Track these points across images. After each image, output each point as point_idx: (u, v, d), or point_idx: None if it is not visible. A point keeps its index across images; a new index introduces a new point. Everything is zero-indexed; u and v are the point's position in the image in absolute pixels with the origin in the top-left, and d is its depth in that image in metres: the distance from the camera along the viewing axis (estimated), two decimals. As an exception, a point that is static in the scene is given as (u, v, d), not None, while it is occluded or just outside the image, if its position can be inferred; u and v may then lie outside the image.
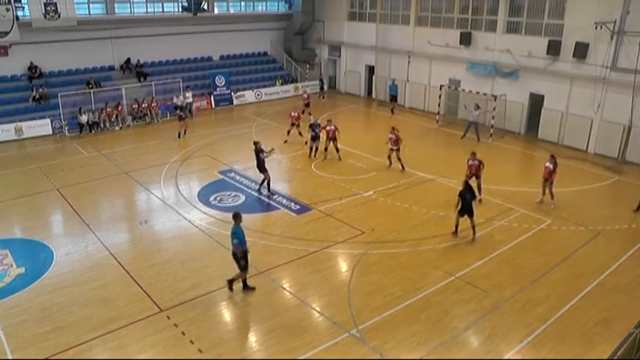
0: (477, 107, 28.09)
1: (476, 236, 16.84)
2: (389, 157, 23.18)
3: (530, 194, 20.24)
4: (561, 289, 14.26)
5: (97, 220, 18.37)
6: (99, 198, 20.63)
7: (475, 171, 19.87)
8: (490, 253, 16.07)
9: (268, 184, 20.52)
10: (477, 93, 29.43)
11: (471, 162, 19.97)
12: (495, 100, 28.01)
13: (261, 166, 20.37)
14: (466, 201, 16.47)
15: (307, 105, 32.28)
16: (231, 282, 13.99)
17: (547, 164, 19.44)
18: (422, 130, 30.05)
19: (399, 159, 22.87)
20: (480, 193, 19.63)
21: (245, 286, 14.13)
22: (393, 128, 23.09)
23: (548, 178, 19.38)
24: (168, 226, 18.10)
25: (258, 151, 20.23)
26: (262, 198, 20.32)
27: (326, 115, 31.58)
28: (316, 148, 24.69)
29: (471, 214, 16.67)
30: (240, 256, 13.64)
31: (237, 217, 13.64)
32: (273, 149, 20.88)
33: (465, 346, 12.11)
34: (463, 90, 30.97)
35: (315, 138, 24.44)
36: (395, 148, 22.74)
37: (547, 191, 19.53)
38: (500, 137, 28.25)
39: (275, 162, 24.57)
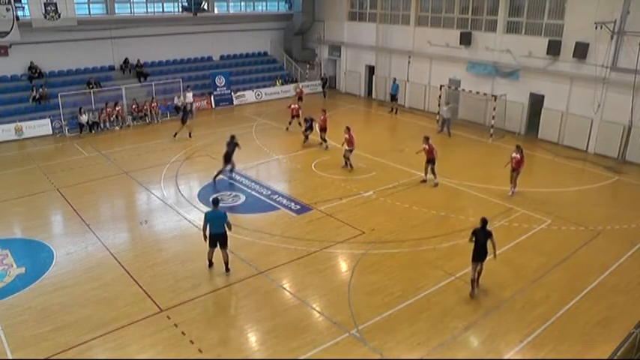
0: (447, 103, 28.44)
1: (478, 289, 14.06)
2: (344, 156, 23.31)
3: (530, 194, 20.24)
4: (561, 289, 14.27)
5: (97, 220, 18.37)
6: (99, 198, 20.63)
7: (429, 155, 21.10)
8: (490, 253, 16.02)
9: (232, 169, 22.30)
10: (477, 93, 29.46)
11: (424, 145, 21.17)
12: (495, 100, 28.01)
13: (230, 157, 21.74)
14: (480, 244, 13.65)
15: (300, 99, 33.30)
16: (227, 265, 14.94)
17: (514, 155, 20.06)
18: (422, 130, 29.89)
19: (345, 157, 23.18)
20: (435, 177, 21.48)
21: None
22: (347, 128, 23.22)
23: (517, 169, 19.98)
24: (169, 226, 18.10)
25: (235, 144, 21.90)
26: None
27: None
28: (306, 137, 26.87)
29: (484, 259, 13.83)
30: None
31: (218, 202, 14.94)
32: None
33: (465, 346, 12.11)
34: (463, 90, 30.98)
35: (308, 128, 26.74)
36: (349, 149, 22.98)
37: (515, 179, 20.23)
38: (500, 137, 28.24)
39: (275, 162, 24.62)
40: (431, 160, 21.24)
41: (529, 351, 11.87)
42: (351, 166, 23.14)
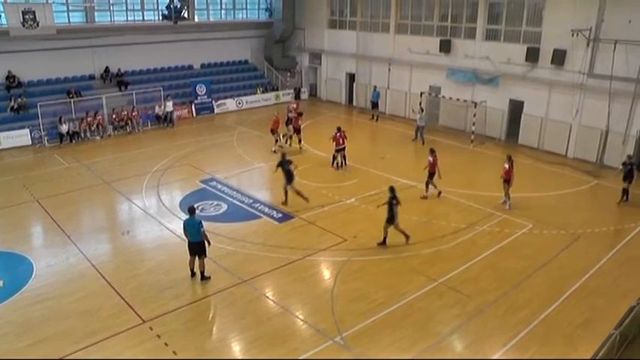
0: (421, 110, 28.59)
1: (408, 239, 17.02)
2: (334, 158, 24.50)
3: (511, 199, 20.33)
4: (544, 292, 14.42)
5: (78, 231, 18.16)
6: (80, 209, 20.42)
7: (431, 167, 20.84)
8: (473, 258, 16.19)
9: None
10: (458, 99, 29.70)
11: (429, 158, 20.93)
12: (476, 106, 28.27)
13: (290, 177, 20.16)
14: (391, 209, 16.59)
15: (300, 114, 31.45)
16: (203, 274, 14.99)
17: (505, 165, 20.02)
18: (402, 137, 30.15)
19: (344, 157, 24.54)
20: (435, 188, 21.11)
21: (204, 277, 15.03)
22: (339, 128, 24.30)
23: (507, 179, 19.86)
24: (151, 236, 17.97)
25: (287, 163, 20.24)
26: (246, 207, 20.27)
27: (307, 123, 31.77)
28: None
29: (392, 221, 16.68)
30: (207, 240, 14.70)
31: (194, 210, 14.88)
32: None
33: (449, 350, 12.17)
34: (443, 97, 31.20)
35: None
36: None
37: (508, 190, 20.09)
38: (481, 143, 28.49)
39: (257, 170, 24.57)
40: (432, 174, 20.83)
41: (513, 353, 11.96)
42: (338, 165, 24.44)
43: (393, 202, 16.45)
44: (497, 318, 13.27)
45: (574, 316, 13.39)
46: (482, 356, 11.91)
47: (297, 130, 27.50)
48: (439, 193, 21.14)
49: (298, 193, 20.13)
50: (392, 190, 16.72)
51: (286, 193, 20.17)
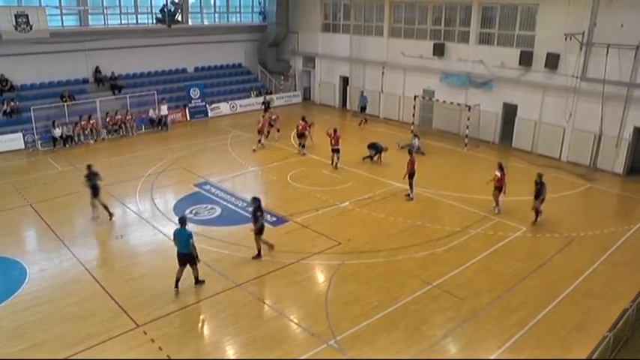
0: (415, 136, 27.88)
1: (262, 254, 16.47)
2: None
3: (506, 202, 20.38)
4: (538, 295, 14.46)
5: (72, 236, 18.10)
6: (73, 213, 20.32)
7: (411, 168, 21.12)
8: (467, 261, 16.22)
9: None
10: (451, 103, 29.76)
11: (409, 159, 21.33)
12: (469, 110, 28.35)
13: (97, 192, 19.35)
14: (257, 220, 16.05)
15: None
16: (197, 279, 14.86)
17: (496, 172, 19.87)
18: (396, 141, 30.16)
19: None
20: (411, 191, 21.36)
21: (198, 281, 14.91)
22: (335, 130, 25.09)
23: (498, 187, 19.72)
24: (145, 240, 17.93)
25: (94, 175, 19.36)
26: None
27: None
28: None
29: (260, 233, 16.24)
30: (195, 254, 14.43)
31: (185, 221, 14.57)
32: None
33: (443, 353, 12.18)
34: (437, 100, 31.27)
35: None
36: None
37: (498, 196, 19.93)
38: (475, 147, 28.56)
39: (251, 174, 24.55)
40: (412, 174, 21.16)
41: (507, 356, 12.00)
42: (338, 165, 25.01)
43: (257, 213, 15.95)
44: (491, 321, 13.29)
45: (568, 318, 13.43)
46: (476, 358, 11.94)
47: (301, 135, 27.93)
48: (408, 195, 21.41)
49: (104, 206, 19.50)
50: (255, 200, 16.17)
51: (95, 207, 19.37)
